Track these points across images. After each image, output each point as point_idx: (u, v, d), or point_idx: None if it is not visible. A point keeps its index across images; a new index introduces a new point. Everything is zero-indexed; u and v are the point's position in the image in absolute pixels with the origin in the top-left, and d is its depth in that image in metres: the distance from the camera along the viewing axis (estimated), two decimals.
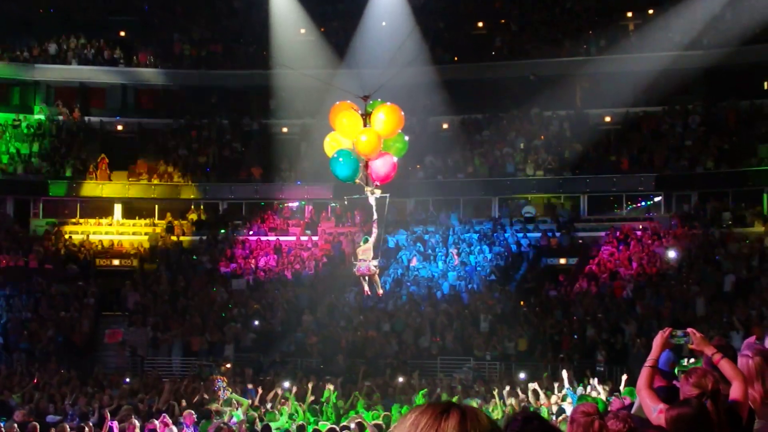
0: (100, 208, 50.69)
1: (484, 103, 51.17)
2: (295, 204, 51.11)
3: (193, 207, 50.63)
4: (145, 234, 48.77)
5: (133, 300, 43.02)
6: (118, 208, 50.68)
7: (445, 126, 52.01)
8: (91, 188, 49.84)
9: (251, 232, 48.29)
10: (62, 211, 50.57)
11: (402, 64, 51.12)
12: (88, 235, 47.98)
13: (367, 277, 15.68)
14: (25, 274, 44.43)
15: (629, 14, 51.97)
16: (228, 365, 35.01)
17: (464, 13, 54.62)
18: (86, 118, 53.95)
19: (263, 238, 47.45)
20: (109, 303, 43.70)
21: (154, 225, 49.53)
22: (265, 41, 53.73)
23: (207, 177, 50.86)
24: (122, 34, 56.74)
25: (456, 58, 53.11)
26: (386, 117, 14.00)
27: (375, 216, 15.04)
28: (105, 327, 42.05)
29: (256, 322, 40.37)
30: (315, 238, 47.49)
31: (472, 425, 3.46)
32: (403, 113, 14.34)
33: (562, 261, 44.26)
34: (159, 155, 52.01)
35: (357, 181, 14.53)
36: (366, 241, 15.77)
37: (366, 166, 14.50)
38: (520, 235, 45.51)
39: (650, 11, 50.15)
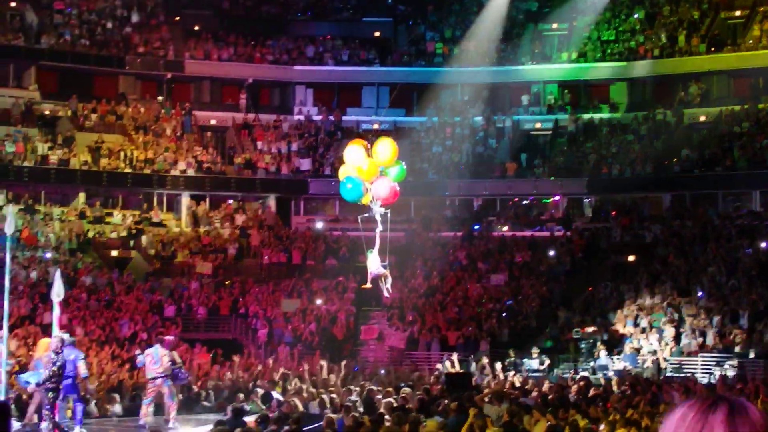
0: (358, 205, 51.74)
1: (742, 95, 49.55)
2: (550, 199, 51.01)
3: (448, 203, 51.23)
4: (402, 230, 49.49)
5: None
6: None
7: (702, 118, 50.79)
8: None
9: (506, 228, 48.38)
10: (322, 209, 52.05)
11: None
12: (345, 232, 49.13)
13: (382, 279, 17.57)
14: (288, 270, 46.01)
15: None
16: (485, 360, 35.22)
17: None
18: (342, 117, 55.45)
19: (518, 234, 47.49)
20: (368, 297, 44.58)
21: (410, 221, 50.24)
22: (515, 37, 54.19)
23: (461, 174, 51.18)
24: (376, 34, 57.87)
25: (713, 49, 51.75)
26: (383, 149, 16.70)
27: (380, 228, 17.08)
28: (364, 321, 43.02)
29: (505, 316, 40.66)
30: (569, 234, 47.16)
31: (741, 420, 3.32)
32: (397, 146, 16.95)
33: None
34: (413, 152, 52.74)
35: (365, 202, 16.94)
36: (371, 252, 17.58)
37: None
38: None
39: None
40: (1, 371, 20.39)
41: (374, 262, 17.66)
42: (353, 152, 16.94)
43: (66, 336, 21.30)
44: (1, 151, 47.69)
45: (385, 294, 18.10)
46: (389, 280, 17.79)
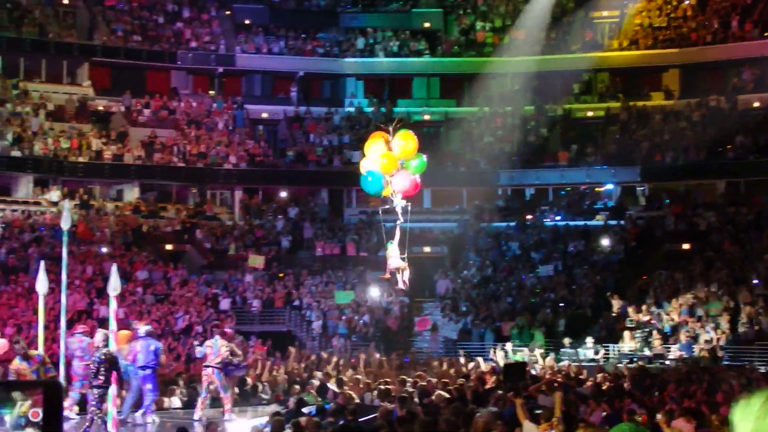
0: (410, 196, 51.72)
1: None
2: (603, 188, 50.71)
3: (500, 193, 51.16)
4: (455, 221, 49.48)
5: (444, 286, 43.89)
6: (426, 195, 51.47)
7: (756, 104, 50.24)
8: None
9: (558, 217, 48.20)
10: (374, 200, 52.06)
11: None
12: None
13: (400, 271, 17.61)
14: (341, 262, 46.15)
15: None
16: (539, 348, 35.15)
17: None
18: (393, 109, 55.47)
19: (571, 223, 47.28)
20: (422, 289, 44.61)
21: (462, 211, 50.20)
22: (565, 24, 54.00)
23: (512, 163, 50.99)
24: (426, 25, 57.81)
25: (766, 33, 51.18)
26: (403, 142, 16.88)
27: (400, 220, 17.15)
28: (417, 312, 43.08)
29: (562, 305, 40.55)
30: (622, 222, 46.85)
31: None
32: (416, 139, 17.11)
33: None
34: (465, 143, 52.70)
35: (385, 194, 17.14)
36: (391, 243, 17.74)
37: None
38: None
39: None
40: (61, 364, 20.64)
41: (393, 254, 17.79)
42: (373, 145, 17.16)
43: (143, 327, 21.77)
44: (56, 147, 48.19)
45: (401, 286, 18.20)
46: (407, 272, 17.85)
